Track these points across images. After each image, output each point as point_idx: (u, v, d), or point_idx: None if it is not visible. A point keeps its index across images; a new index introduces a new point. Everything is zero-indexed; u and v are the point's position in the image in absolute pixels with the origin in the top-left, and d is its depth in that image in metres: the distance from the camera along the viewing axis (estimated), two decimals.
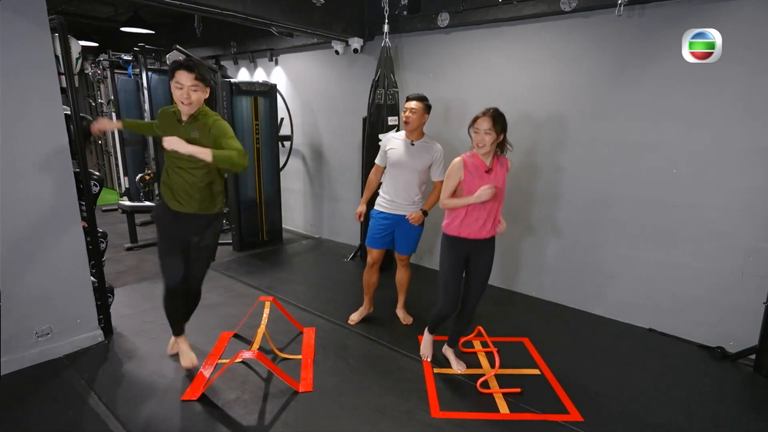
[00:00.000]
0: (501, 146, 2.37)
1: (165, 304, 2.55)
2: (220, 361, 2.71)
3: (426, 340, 2.81)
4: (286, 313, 3.13)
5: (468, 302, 2.57)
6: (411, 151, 2.89)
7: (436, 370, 2.65)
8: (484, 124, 2.27)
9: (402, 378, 2.59)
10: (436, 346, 2.84)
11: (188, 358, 2.61)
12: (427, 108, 2.89)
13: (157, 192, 6.13)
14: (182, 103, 2.30)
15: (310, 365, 2.67)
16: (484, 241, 2.45)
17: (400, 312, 3.31)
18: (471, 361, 2.77)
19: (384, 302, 3.54)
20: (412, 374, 2.62)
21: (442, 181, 2.72)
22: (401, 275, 3.23)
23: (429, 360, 2.76)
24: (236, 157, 2.20)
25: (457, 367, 2.67)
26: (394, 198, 2.96)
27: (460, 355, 2.80)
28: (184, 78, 2.25)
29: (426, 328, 2.81)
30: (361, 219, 3.15)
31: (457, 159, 2.38)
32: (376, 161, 3.06)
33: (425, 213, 2.95)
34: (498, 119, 2.28)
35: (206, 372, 2.58)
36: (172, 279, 2.43)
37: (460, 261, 2.49)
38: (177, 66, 2.27)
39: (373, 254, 3.12)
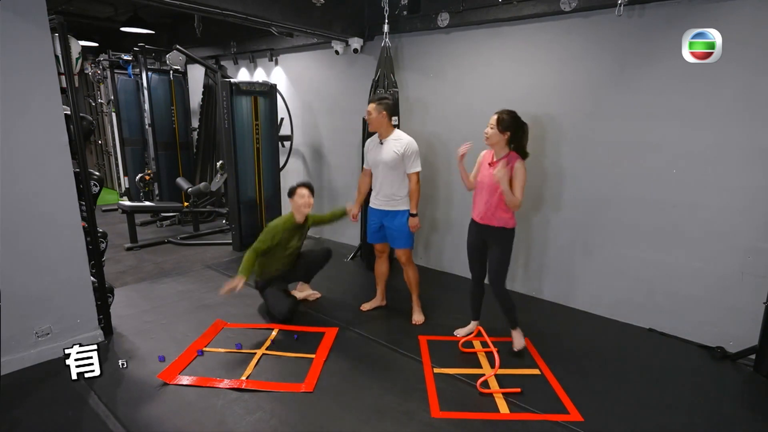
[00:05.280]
0: (519, 145, 2.67)
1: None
2: (206, 349, 2.83)
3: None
4: (301, 328, 3.15)
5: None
6: (380, 149, 3.07)
7: (436, 370, 2.65)
8: (491, 120, 2.66)
9: (402, 378, 2.59)
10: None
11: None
12: (385, 107, 2.99)
13: (156, 192, 6.14)
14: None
15: (319, 365, 2.67)
16: (488, 227, 2.76)
17: (414, 309, 3.30)
18: (471, 361, 2.77)
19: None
20: (412, 374, 2.62)
21: (416, 173, 3.04)
22: (406, 274, 3.29)
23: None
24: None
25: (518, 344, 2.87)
26: (377, 195, 3.17)
27: (458, 356, 2.82)
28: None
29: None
30: (355, 219, 3.34)
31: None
32: (363, 164, 3.28)
33: (413, 215, 3.08)
34: (502, 118, 2.62)
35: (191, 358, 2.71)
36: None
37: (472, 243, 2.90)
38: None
39: (376, 247, 3.34)
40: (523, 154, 2.67)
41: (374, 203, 3.20)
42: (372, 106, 3.01)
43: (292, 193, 3.28)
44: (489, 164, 2.71)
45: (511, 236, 2.78)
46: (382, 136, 3.06)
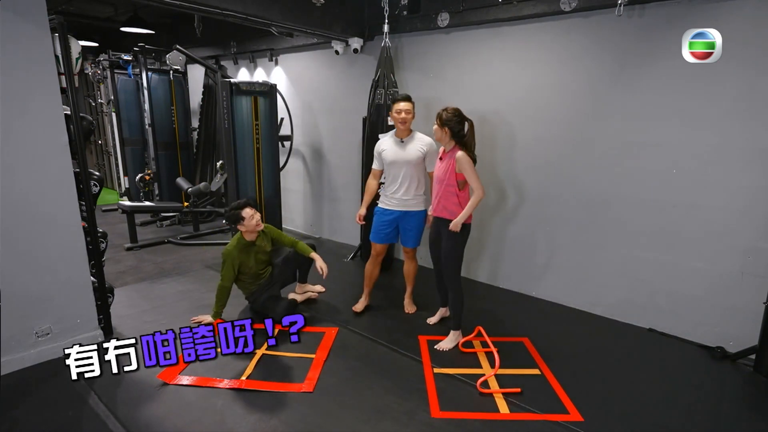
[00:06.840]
0: (461, 141, 2.72)
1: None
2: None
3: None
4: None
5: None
6: (402, 147, 3.09)
7: (436, 370, 2.65)
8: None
9: (402, 378, 2.59)
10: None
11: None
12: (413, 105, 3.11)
13: (156, 192, 6.14)
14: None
15: (319, 366, 2.67)
16: (440, 219, 2.85)
17: (407, 301, 3.47)
18: (471, 361, 2.77)
19: (384, 301, 3.55)
20: (412, 374, 2.62)
21: None
22: (408, 267, 3.39)
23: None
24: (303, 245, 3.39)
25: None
26: (396, 195, 3.13)
27: (458, 356, 2.83)
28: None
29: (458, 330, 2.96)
30: (362, 221, 3.29)
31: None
32: (373, 166, 3.24)
33: None
34: (439, 114, 2.73)
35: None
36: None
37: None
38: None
39: (377, 248, 3.30)
40: (468, 150, 2.71)
41: (389, 204, 3.18)
42: (411, 105, 3.05)
43: (238, 218, 3.04)
44: (440, 158, 2.84)
45: (463, 230, 2.77)
46: (403, 136, 3.10)
